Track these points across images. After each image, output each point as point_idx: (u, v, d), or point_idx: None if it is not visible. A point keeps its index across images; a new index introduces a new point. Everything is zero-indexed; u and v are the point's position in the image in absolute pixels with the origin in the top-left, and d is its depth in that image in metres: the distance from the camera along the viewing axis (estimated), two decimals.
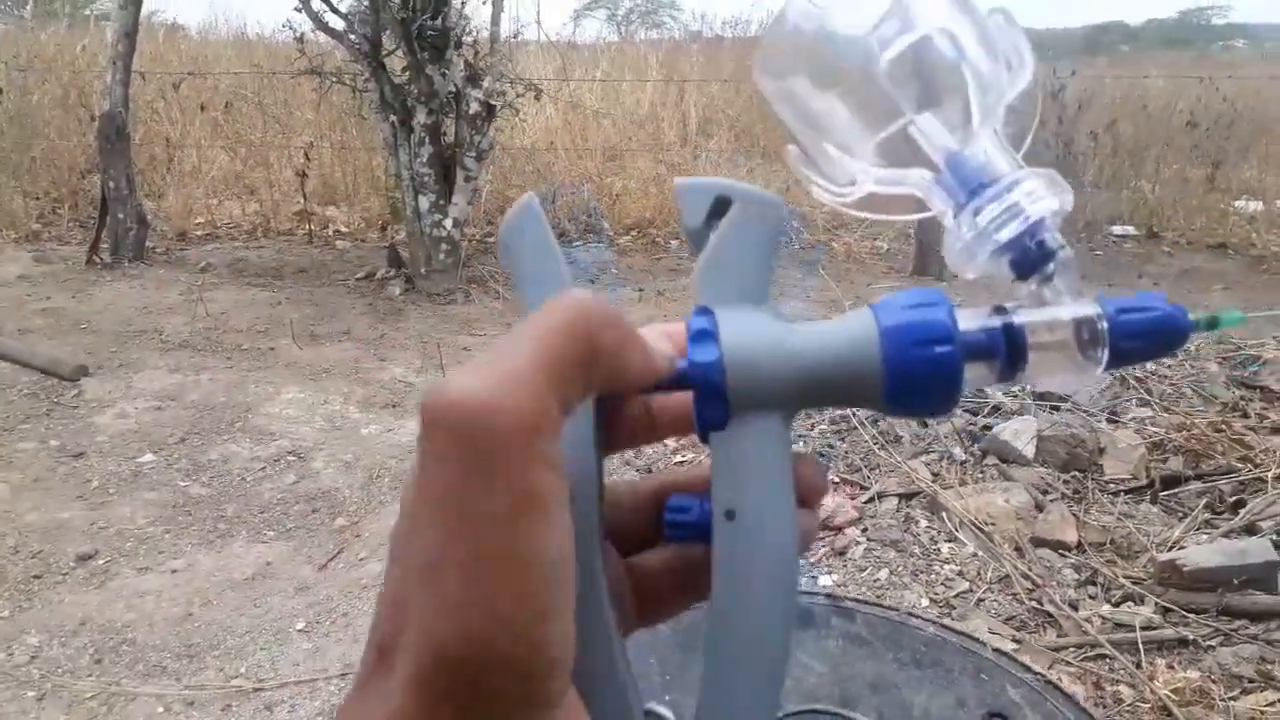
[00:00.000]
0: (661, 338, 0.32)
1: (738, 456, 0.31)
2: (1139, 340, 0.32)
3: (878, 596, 2.12)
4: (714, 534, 0.31)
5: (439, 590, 0.24)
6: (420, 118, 4.56)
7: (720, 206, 0.33)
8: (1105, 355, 0.32)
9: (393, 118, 4.63)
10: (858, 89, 0.37)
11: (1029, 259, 0.34)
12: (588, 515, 0.31)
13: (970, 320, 0.32)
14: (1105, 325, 0.32)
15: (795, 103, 0.38)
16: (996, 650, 0.96)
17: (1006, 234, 0.34)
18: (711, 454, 0.32)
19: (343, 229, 5.87)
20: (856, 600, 1.01)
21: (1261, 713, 1.84)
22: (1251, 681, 1.91)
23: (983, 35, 0.36)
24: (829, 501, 2.51)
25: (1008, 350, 0.32)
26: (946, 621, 1.02)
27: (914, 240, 5.32)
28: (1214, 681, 1.90)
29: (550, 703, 0.26)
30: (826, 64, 0.37)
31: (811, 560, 2.34)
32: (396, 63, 4.64)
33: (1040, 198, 0.34)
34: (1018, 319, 0.32)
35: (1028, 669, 0.92)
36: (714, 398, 0.31)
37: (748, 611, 0.31)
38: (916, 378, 0.31)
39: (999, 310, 0.33)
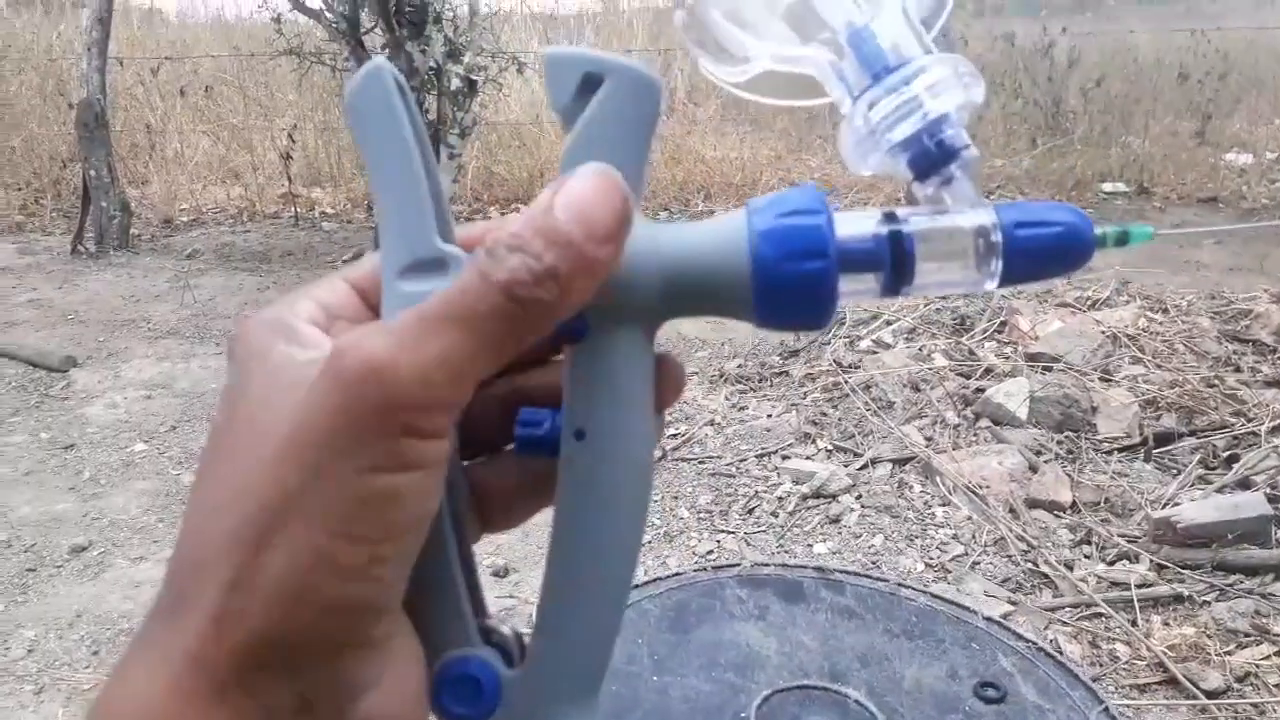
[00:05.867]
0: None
1: (593, 373, 0.29)
2: (1037, 258, 0.29)
3: (873, 563, 2.12)
4: (561, 453, 0.29)
5: (294, 530, 0.25)
6: None
7: (590, 83, 0.29)
8: (998, 269, 0.29)
9: None
10: None
11: (929, 159, 0.30)
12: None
13: (854, 226, 0.29)
14: (999, 238, 0.29)
15: None
16: (988, 619, 0.95)
17: (900, 133, 0.30)
18: (565, 366, 0.29)
19: (329, 210, 5.82)
20: (845, 572, 1.00)
21: (1257, 666, 1.84)
22: (1247, 636, 1.92)
23: None
24: (822, 470, 2.51)
25: (893, 262, 0.29)
26: (937, 590, 1.02)
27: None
28: (1209, 637, 1.91)
29: (372, 644, 0.26)
30: None
31: (805, 530, 2.34)
32: (375, 40, 4.58)
33: (942, 91, 0.30)
34: (906, 228, 0.29)
35: (1020, 637, 0.92)
36: None
37: (589, 534, 0.29)
38: (786, 291, 0.28)
39: (889, 217, 0.30)
